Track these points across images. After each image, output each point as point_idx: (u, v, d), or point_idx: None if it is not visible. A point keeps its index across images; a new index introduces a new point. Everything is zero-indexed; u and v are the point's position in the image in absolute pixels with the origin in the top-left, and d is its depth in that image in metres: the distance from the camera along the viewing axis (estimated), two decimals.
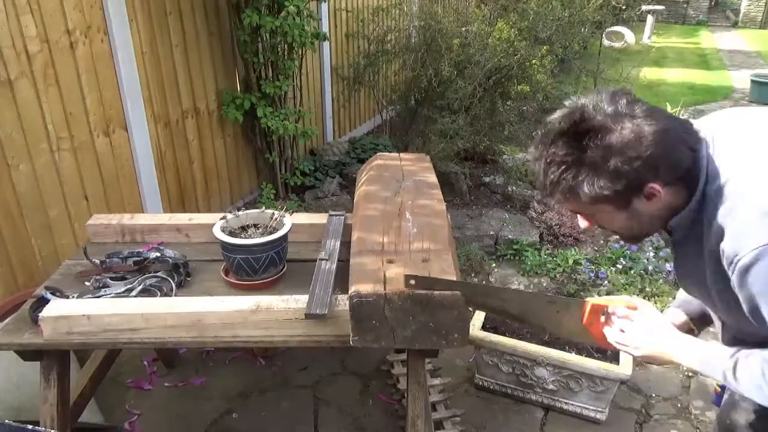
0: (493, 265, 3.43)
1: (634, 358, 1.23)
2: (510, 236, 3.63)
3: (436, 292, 1.38)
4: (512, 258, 3.51)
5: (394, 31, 4.90)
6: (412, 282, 1.40)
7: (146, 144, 3.12)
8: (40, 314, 1.55)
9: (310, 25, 3.82)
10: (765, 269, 0.91)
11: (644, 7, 9.76)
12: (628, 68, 4.76)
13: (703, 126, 1.06)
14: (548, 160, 1.02)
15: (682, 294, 1.37)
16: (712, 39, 13.01)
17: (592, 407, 2.26)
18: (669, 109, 4.91)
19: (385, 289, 1.40)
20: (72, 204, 2.73)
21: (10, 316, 1.75)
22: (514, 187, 4.32)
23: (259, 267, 1.76)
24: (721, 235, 0.96)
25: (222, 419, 2.31)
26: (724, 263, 0.97)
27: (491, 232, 3.69)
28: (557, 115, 1.03)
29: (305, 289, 1.66)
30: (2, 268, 2.43)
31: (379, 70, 4.96)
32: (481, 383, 2.44)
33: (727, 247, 0.96)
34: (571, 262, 3.36)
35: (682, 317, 1.33)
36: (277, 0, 3.49)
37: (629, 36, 10.17)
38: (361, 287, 1.41)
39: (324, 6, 4.56)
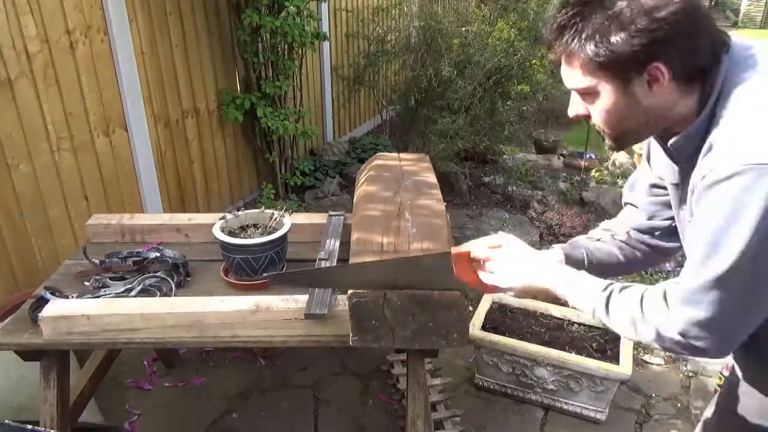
0: None
1: (515, 295, 1.14)
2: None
3: (435, 292, 1.38)
4: None
5: (394, 31, 4.91)
6: (274, 280, 1.37)
7: (146, 144, 3.12)
8: (40, 314, 1.55)
9: (310, 25, 3.82)
10: (735, 188, 0.82)
11: None
12: None
13: (738, 42, 0.95)
14: (559, 6, 0.94)
15: (577, 238, 1.30)
16: None
17: (592, 407, 2.26)
18: None
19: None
20: (72, 204, 2.73)
21: (9, 316, 1.75)
22: (514, 187, 4.33)
23: (259, 267, 1.76)
24: (706, 153, 0.89)
25: (222, 419, 2.31)
26: (695, 176, 0.90)
27: (491, 232, 3.68)
28: None
29: (305, 289, 1.66)
30: (2, 268, 2.43)
31: (379, 70, 4.96)
32: (481, 383, 2.44)
33: (705, 161, 0.88)
34: None
35: (560, 256, 1.23)
36: (277, 0, 3.49)
37: None
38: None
39: (324, 6, 4.56)
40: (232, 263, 1.78)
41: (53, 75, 2.56)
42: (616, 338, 2.33)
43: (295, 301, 1.59)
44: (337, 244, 1.88)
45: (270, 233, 1.80)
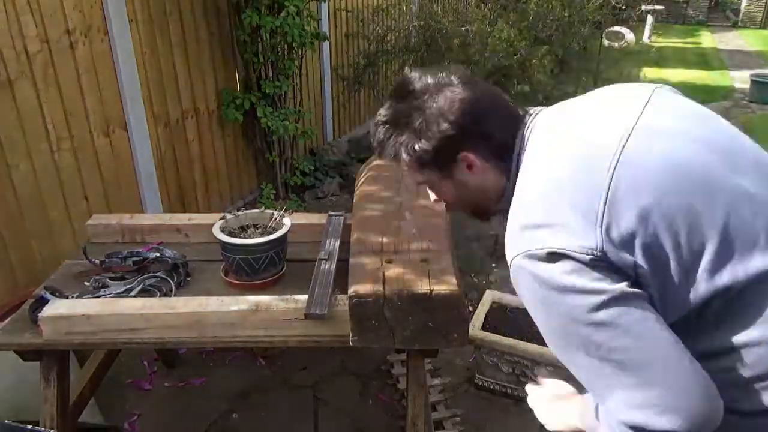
0: (493, 265, 3.43)
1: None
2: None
3: (434, 291, 1.38)
4: None
5: (394, 31, 4.91)
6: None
7: (146, 144, 3.12)
8: (40, 314, 1.55)
9: (310, 25, 3.82)
10: (518, 279, 0.90)
11: (644, 7, 9.77)
12: (628, 68, 4.75)
13: (535, 115, 1.03)
14: (376, 120, 1.07)
15: None
16: (712, 39, 13.01)
17: None
18: None
19: (384, 289, 1.40)
20: (72, 204, 2.73)
21: (9, 316, 1.75)
22: None
23: (259, 267, 1.76)
24: None
25: (222, 419, 2.31)
26: None
27: (491, 233, 3.69)
28: None
29: (305, 289, 1.66)
30: (2, 268, 2.43)
31: (379, 70, 4.97)
32: (481, 383, 2.44)
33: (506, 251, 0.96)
34: None
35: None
36: (277, 0, 3.49)
37: (629, 36, 10.16)
38: (360, 287, 1.41)
39: (324, 6, 4.56)
40: (232, 263, 1.78)
41: (53, 75, 2.56)
42: None
43: (295, 301, 1.59)
44: (337, 244, 1.88)
45: (270, 233, 1.80)
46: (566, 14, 4.36)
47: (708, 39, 13.03)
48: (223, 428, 2.27)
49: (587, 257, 0.82)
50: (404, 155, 1.03)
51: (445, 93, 0.99)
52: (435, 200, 1.15)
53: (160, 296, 1.73)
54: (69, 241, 2.71)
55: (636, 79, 4.87)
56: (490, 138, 1.00)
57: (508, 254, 0.91)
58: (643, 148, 0.87)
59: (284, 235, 1.80)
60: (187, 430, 2.26)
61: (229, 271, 1.84)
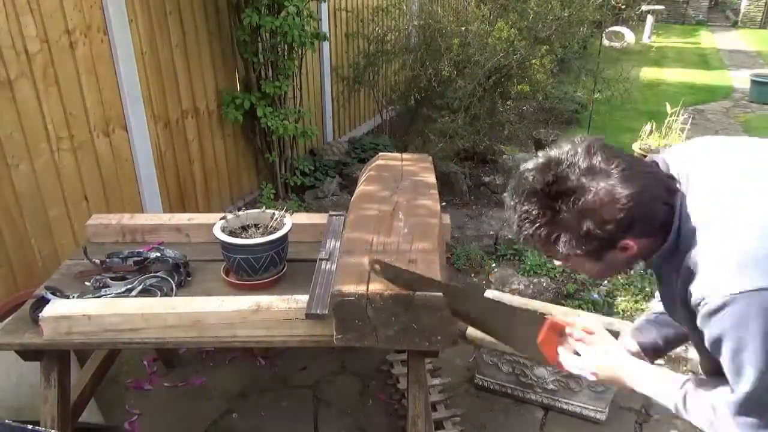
0: (493, 264, 3.43)
1: (594, 379, 1.24)
2: (510, 236, 3.63)
3: (417, 293, 1.38)
4: (512, 258, 3.51)
5: (393, 31, 4.91)
6: (377, 267, 1.39)
7: (146, 144, 3.12)
8: (41, 314, 1.55)
9: (310, 25, 3.82)
10: (733, 317, 0.91)
11: (644, 7, 9.76)
12: (628, 68, 4.75)
13: (678, 162, 1.06)
14: (522, 217, 1.02)
15: (640, 322, 1.39)
16: (712, 39, 13.01)
17: (592, 407, 2.26)
18: (669, 109, 4.92)
19: (367, 288, 1.39)
20: (72, 204, 2.73)
21: (10, 316, 1.75)
22: None
23: (260, 267, 1.76)
24: (689, 276, 0.98)
25: (222, 419, 2.31)
26: (692, 303, 0.99)
27: (491, 232, 3.69)
28: (531, 167, 1.03)
29: (305, 289, 1.66)
30: (2, 268, 2.43)
31: (378, 70, 4.97)
32: (481, 383, 2.44)
33: (694, 290, 0.97)
34: None
35: (634, 347, 1.34)
36: (277, 0, 3.49)
37: (629, 36, 10.17)
38: (343, 286, 1.41)
39: (324, 6, 4.56)
40: (232, 263, 1.78)
41: (53, 75, 2.56)
42: (615, 338, 2.33)
43: (296, 301, 1.59)
44: (338, 244, 1.88)
45: (271, 233, 1.80)
46: (566, 14, 4.36)
47: (708, 39, 13.03)
48: (223, 428, 2.27)
49: None
50: (561, 248, 1.01)
51: (603, 186, 0.96)
52: (560, 264, 1.16)
53: (160, 296, 1.73)
54: (69, 241, 2.70)
55: (636, 79, 4.87)
56: (652, 223, 1.00)
57: (722, 289, 0.91)
58: None
59: (285, 235, 1.80)
60: (187, 430, 2.26)
61: (230, 271, 1.84)
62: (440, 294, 1.37)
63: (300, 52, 3.93)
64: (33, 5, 2.42)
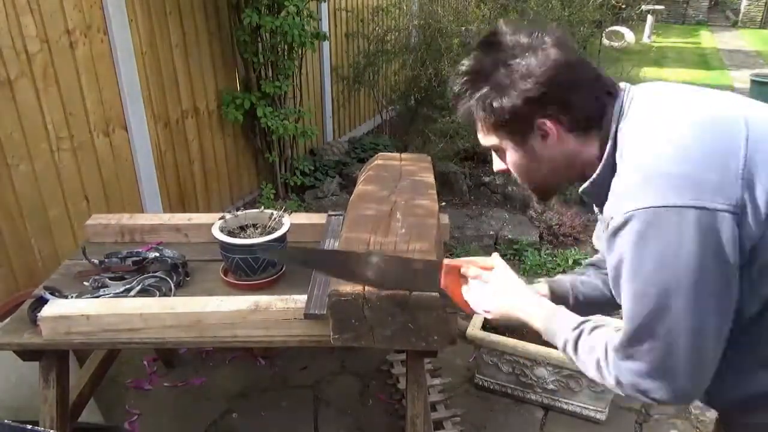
0: None
1: (491, 319, 1.17)
2: (510, 236, 3.63)
3: (413, 293, 1.37)
4: (512, 258, 3.51)
5: (393, 31, 4.91)
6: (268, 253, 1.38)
7: (146, 144, 3.12)
8: (39, 314, 1.55)
9: (310, 25, 3.82)
10: (632, 234, 0.86)
11: (644, 7, 9.76)
12: (628, 68, 4.75)
13: (629, 89, 1.01)
14: (457, 70, 1.02)
15: (563, 276, 1.33)
16: (712, 39, 13.00)
17: (592, 407, 2.26)
18: None
19: (364, 288, 1.39)
20: (72, 204, 2.73)
21: (9, 316, 1.75)
22: (513, 187, 4.32)
23: (258, 267, 1.76)
24: (608, 197, 0.94)
25: (222, 419, 2.31)
26: (601, 228, 0.95)
27: (491, 232, 3.69)
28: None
29: (304, 289, 1.66)
30: (2, 268, 2.43)
31: (378, 69, 4.96)
32: (481, 383, 2.44)
33: (606, 210, 0.93)
34: (571, 262, 3.36)
35: (545, 291, 1.25)
36: (277, 0, 3.49)
37: (629, 35, 10.16)
38: (340, 286, 1.41)
39: (324, 6, 4.56)
40: (231, 263, 1.78)
41: (53, 75, 2.56)
42: None
43: (295, 301, 1.59)
44: (337, 244, 1.88)
45: (269, 233, 1.80)
46: (566, 13, 4.36)
47: (708, 39, 13.02)
48: (223, 428, 2.27)
49: (728, 215, 0.83)
50: (480, 111, 0.98)
51: (537, 53, 0.94)
52: (499, 170, 1.09)
53: (159, 296, 1.73)
54: (69, 241, 2.71)
55: (636, 79, 4.87)
56: (574, 108, 0.95)
57: (626, 205, 0.87)
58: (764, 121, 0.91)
59: (284, 235, 1.80)
60: (187, 430, 2.26)
61: (229, 271, 1.84)
62: (436, 294, 1.37)
63: (300, 52, 3.93)
64: (33, 5, 2.42)
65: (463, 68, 1.00)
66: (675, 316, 0.86)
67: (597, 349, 0.98)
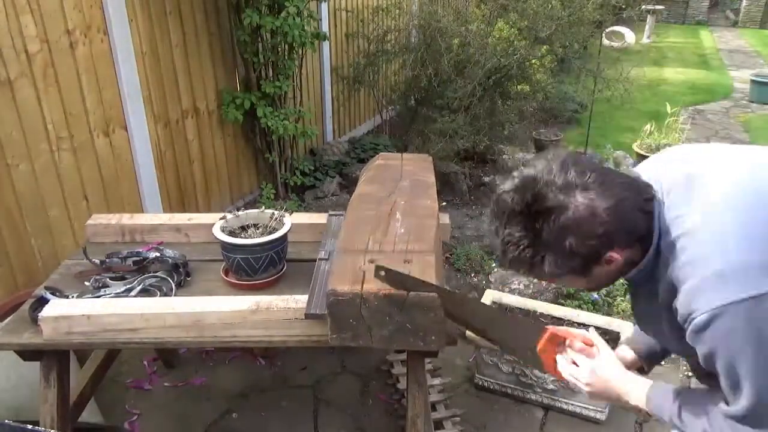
0: (493, 264, 3.43)
1: (587, 394, 1.24)
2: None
3: (411, 293, 1.38)
4: None
5: (393, 31, 4.90)
6: (382, 273, 1.40)
7: (146, 144, 3.12)
8: (40, 314, 1.55)
9: (310, 25, 3.82)
10: (721, 331, 0.91)
11: (644, 7, 9.76)
12: (628, 68, 4.75)
13: (654, 173, 1.06)
14: (505, 241, 1.02)
15: (636, 328, 1.38)
16: (712, 39, 13.01)
17: (592, 407, 2.26)
18: (669, 109, 4.92)
19: (362, 288, 1.39)
20: (72, 204, 2.73)
21: (9, 316, 1.75)
22: None
23: (259, 267, 1.76)
24: (673, 291, 0.97)
25: (222, 419, 2.31)
26: (679, 320, 0.98)
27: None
28: (508, 188, 1.02)
29: (305, 289, 1.66)
30: (2, 268, 2.43)
31: (378, 69, 4.96)
32: (481, 383, 2.44)
33: (680, 305, 0.96)
34: None
35: (631, 355, 1.34)
36: (277, 0, 3.49)
37: (629, 36, 10.16)
38: (338, 286, 1.41)
39: (324, 6, 4.56)
40: (232, 263, 1.78)
41: (53, 75, 2.56)
42: (615, 338, 2.33)
43: (295, 301, 1.59)
44: (337, 244, 1.88)
45: (270, 233, 1.80)
46: (566, 14, 4.35)
47: (708, 39, 13.03)
48: (223, 428, 2.27)
49: None
50: (547, 268, 1.01)
51: (581, 201, 0.96)
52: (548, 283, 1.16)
53: (160, 296, 1.73)
54: (69, 241, 2.71)
55: (636, 79, 4.87)
56: (633, 232, 1.00)
57: (703, 305, 0.91)
58: None
59: (284, 235, 1.80)
60: (187, 429, 2.26)
61: (230, 271, 1.84)
62: (434, 294, 1.37)
63: (300, 52, 3.93)
64: (33, 5, 2.42)
65: (514, 239, 1.00)
66: None
67: (701, 420, 1.04)
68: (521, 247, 1.00)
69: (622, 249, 1.00)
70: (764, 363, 0.90)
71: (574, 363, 1.22)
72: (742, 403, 0.95)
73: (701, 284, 0.92)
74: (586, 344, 1.23)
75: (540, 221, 0.97)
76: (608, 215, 0.96)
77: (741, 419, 0.97)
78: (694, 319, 0.93)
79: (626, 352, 1.35)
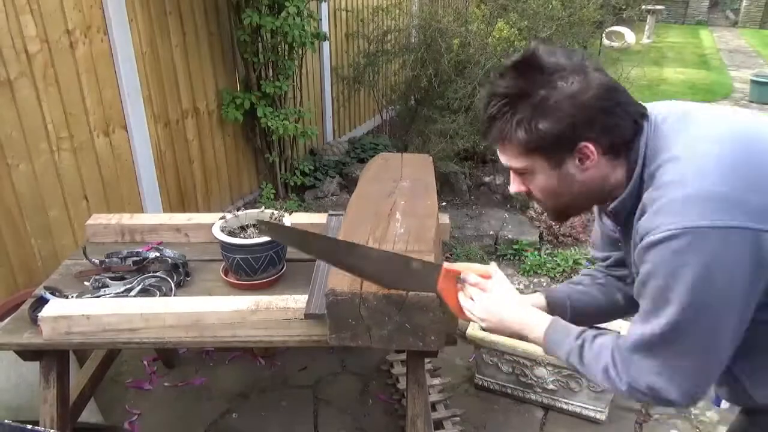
0: (493, 264, 3.43)
1: (484, 328, 1.18)
2: (510, 236, 3.63)
3: (410, 293, 1.37)
4: (512, 258, 3.51)
5: (394, 31, 4.90)
6: (264, 227, 1.41)
7: (146, 144, 3.12)
8: (40, 314, 1.55)
9: (310, 25, 3.82)
10: (672, 250, 0.88)
11: (644, 7, 9.76)
12: (628, 68, 4.75)
13: (651, 106, 1.03)
14: (492, 91, 0.99)
15: (559, 286, 1.35)
16: (712, 39, 13.01)
17: (591, 407, 2.26)
18: None
19: (361, 288, 1.40)
20: (72, 204, 2.73)
21: (9, 316, 1.75)
22: None
23: (259, 267, 1.76)
24: (642, 213, 0.94)
25: (222, 419, 2.31)
26: (636, 239, 0.95)
27: (491, 232, 3.69)
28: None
29: (305, 289, 1.66)
30: (2, 268, 2.43)
31: (379, 70, 4.96)
32: (481, 383, 2.44)
33: (641, 224, 0.93)
34: (570, 261, 3.36)
35: (542, 302, 1.26)
36: (278, 0, 3.49)
37: (629, 36, 10.17)
38: (337, 286, 1.41)
39: (324, 6, 4.56)
40: (231, 263, 1.78)
41: (53, 75, 2.56)
42: None
43: (295, 301, 1.59)
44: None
45: None
46: (566, 14, 4.35)
47: (708, 39, 13.03)
48: (223, 428, 2.27)
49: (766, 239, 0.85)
50: (521, 133, 0.95)
51: (578, 75, 0.94)
52: (518, 191, 1.08)
53: (159, 296, 1.73)
54: (69, 241, 2.71)
55: (636, 79, 4.87)
56: (616, 131, 0.96)
57: (667, 221, 0.88)
58: None
59: None
60: (187, 430, 2.26)
61: (229, 271, 1.84)
62: (434, 294, 1.37)
63: (300, 52, 3.93)
64: (33, 5, 2.42)
65: (501, 89, 0.97)
66: (697, 332, 0.91)
67: (603, 356, 1.01)
68: (505, 99, 0.97)
69: (600, 147, 0.96)
70: (699, 290, 0.87)
71: (472, 299, 1.18)
72: (660, 320, 0.91)
73: (668, 205, 0.90)
74: (483, 277, 1.18)
75: (532, 76, 0.95)
76: (597, 93, 0.93)
77: (647, 342, 0.94)
78: (649, 235, 0.90)
79: (537, 298, 1.28)
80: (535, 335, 1.12)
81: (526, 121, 0.95)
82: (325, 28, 4.65)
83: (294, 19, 3.53)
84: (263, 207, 2.05)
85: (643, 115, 0.99)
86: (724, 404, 1.24)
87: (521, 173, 1.05)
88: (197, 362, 2.61)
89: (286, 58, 3.77)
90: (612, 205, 1.03)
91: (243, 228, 1.87)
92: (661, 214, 0.90)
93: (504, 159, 1.04)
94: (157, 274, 1.81)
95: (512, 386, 2.38)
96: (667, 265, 0.89)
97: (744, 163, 0.90)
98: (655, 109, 1.02)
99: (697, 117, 0.99)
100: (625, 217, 1.03)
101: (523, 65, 0.97)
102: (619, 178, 1.01)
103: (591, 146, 0.95)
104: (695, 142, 0.94)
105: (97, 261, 1.86)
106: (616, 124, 0.96)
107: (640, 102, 1.01)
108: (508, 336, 1.18)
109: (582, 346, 1.05)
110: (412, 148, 4.45)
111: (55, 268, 1.96)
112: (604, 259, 1.31)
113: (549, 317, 1.13)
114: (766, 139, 0.96)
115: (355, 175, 4.29)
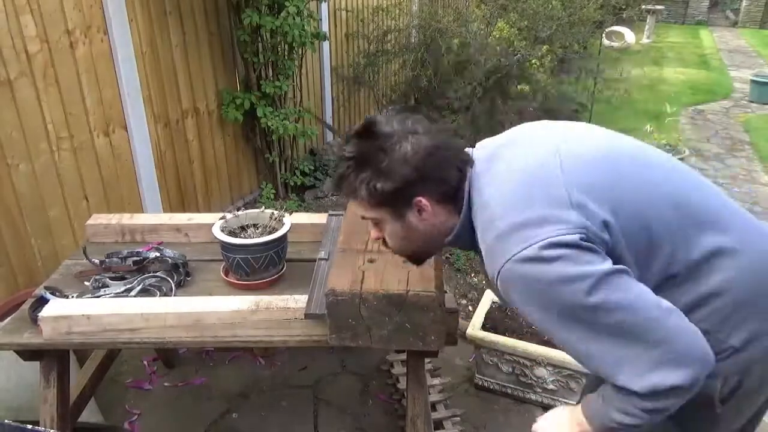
0: None
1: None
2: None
3: (410, 293, 1.38)
4: None
5: (394, 31, 4.91)
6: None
7: (146, 144, 3.12)
8: (40, 314, 1.55)
9: (310, 25, 3.82)
10: (510, 286, 1.00)
11: (644, 7, 9.76)
12: (628, 68, 4.76)
13: (478, 150, 1.17)
14: (340, 155, 1.12)
15: None
16: (712, 39, 13.01)
17: None
18: (668, 109, 4.92)
19: (361, 288, 1.40)
20: (72, 204, 2.73)
21: (9, 316, 1.75)
22: None
23: (259, 267, 1.76)
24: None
25: (222, 419, 2.31)
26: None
27: None
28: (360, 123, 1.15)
29: (305, 288, 1.66)
30: (2, 268, 2.43)
31: (379, 69, 4.97)
32: (481, 383, 2.44)
33: (487, 270, 1.06)
34: None
35: None
36: (278, 0, 3.49)
37: (629, 36, 10.15)
38: (337, 286, 1.41)
39: (324, 6, 4.56)
40: (232, 263, 1.78)
41: (53, 75, 2.55)
42: None
43: (295, 301, 1.59)
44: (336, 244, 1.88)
45: (270, 233, 1.80)
46: (566, 14, 4.36)
47: (708, 39, 13.03)
48: (223, 428, 2.27)
49: (576, 236, 0.96)
50: (364, 191, 1.08)
51: (410, 139, 1.07)
52: (376, 237, 1.21)
53: (160, 296, 1.73)
54: (69, 241, 2.70)
55: (636, 79, 4.87)
56: (444, 183, 1.10)
57: (494, 267, 1.01)
58: (576, 145, 1.11)
59: (284, 235, 1.80)
60: (187, 430, 2.26)
61: (229, 271, 1.84)
62: (433, 294, 1.37)
63: (300, 52, 3.93)
64: (33, 5, 2.42)
65: (347, 153, 1.10)
66: (616, 307, 0.95)
67: (608, 398, 1.03)
68: (350, 162, 1.09)
69: (432, 199, 1.09)
70: (541, 314, 0.99)
71: None
72: (588, 333, 0.97)
73: (488, 250, 1.04)
74: None
75: (369, 142, 1.08)
76: (426, 155, 1.06)
77: (603, 357, 0.98)
78: (495, 281, 1.02)
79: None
80: (582, 420, 1.12)
81: (368, 181, 1.08)
82: (325, 28, 4.64)
83: (294, 18, 3.53)
84: (263, 207, 2.05)
85: (466, 161, 1.13)
86: None
87: (375, 223, 1.18)
88: (197, 362, 2.61)
89: (286, 58, 3.77)
90: (447, 239, 1.16)
91: (243, 228, 1.87)
92: (488, 260, 1.04)
93: (357, 211, 1.17)
94: (158, 274, 1.81)
95: (512, 386, 2.38)
96: (529, 301, 1.00)
97: (529, 188, 1.03)
98: (476, 151, 1.17)
99: (501, 155, 1.12)
100: (470, 248, 1.17)
101: (363, 133, 1.10)
102: (457, 220, 1.14)
103: (424, 200, 1.09)
104: (495, 182, 1.08)
105: (97, 261, 1.86)
106: (442, 177, 1.09)
107: (465, 149, 1.17)
108: None
109: (602, 398, 1.06)
110: None
111: (56, 268, 1.96)
112: None
113: (577, 406, 1.15)
114: (548, 155, 1.07)
115: None
